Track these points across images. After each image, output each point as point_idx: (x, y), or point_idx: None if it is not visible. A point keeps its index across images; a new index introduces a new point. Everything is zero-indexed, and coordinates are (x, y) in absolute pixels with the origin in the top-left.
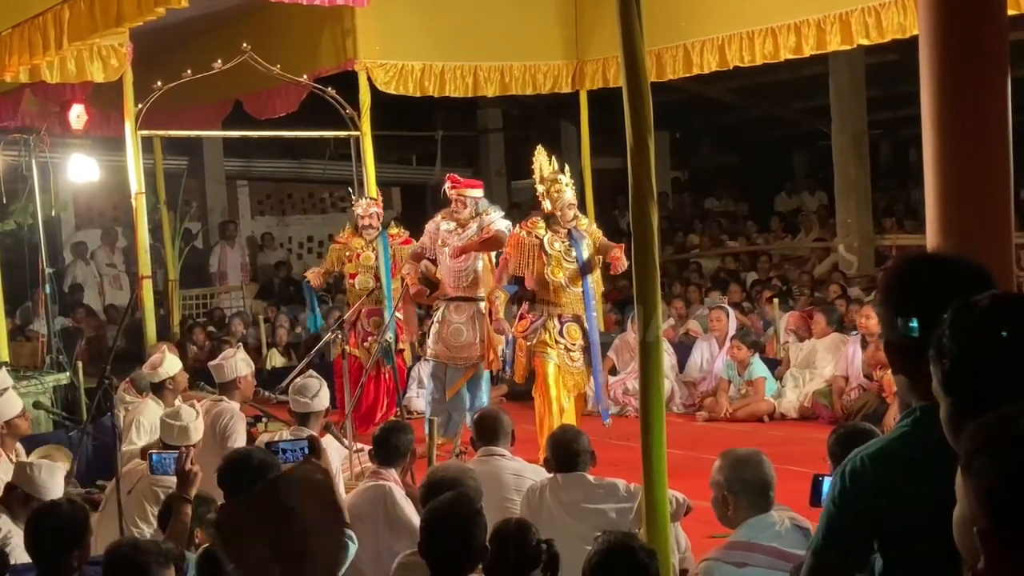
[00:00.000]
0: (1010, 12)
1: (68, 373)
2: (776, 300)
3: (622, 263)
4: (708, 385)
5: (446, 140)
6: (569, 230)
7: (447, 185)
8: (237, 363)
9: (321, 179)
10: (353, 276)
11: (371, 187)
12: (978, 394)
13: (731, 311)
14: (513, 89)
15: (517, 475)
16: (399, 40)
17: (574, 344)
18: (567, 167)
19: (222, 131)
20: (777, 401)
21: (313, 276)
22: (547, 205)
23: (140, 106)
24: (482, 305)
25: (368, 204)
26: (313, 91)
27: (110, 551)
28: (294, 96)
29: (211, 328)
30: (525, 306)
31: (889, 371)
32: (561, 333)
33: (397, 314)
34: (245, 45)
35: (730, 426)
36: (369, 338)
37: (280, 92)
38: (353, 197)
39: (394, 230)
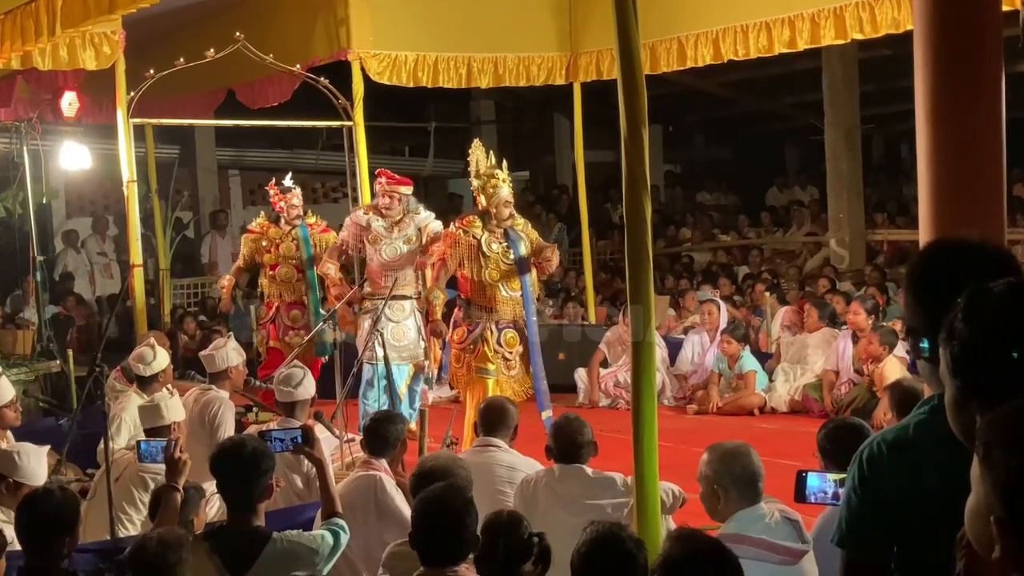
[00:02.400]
0: (1004, 8)
1: (58, 361)
2: (768, 294)
3: (552, 264)
4: (699, 378)
5: (439, 131)
6: (506, 230)
7: (380, 180)
8: (228, 353)
9: (313, 169)
10: (273, 267)
11: (363, 178)
12: (985, 378)
13: (723, 304)
14: (507, 81)
15: (511, 468)
16: (392, 30)
17: (511, 352)
18: (504, 164)
19: (214, 120)
20: (768, 395)
21: (225, 303)
22: (482, 201)
23: (132, 94)
24: (416, 303)
25: (295, 194)
26: (306, 81)
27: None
28: (287, 85)
29: (202, 317)
30: (459, 312)
31: (879, 366)
32: (499, 341)
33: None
34: (238, 34)
35: (720, 419)
36: (290, 332)
37: (273, 81)
38: (270, 189)
39: (311, 219)
